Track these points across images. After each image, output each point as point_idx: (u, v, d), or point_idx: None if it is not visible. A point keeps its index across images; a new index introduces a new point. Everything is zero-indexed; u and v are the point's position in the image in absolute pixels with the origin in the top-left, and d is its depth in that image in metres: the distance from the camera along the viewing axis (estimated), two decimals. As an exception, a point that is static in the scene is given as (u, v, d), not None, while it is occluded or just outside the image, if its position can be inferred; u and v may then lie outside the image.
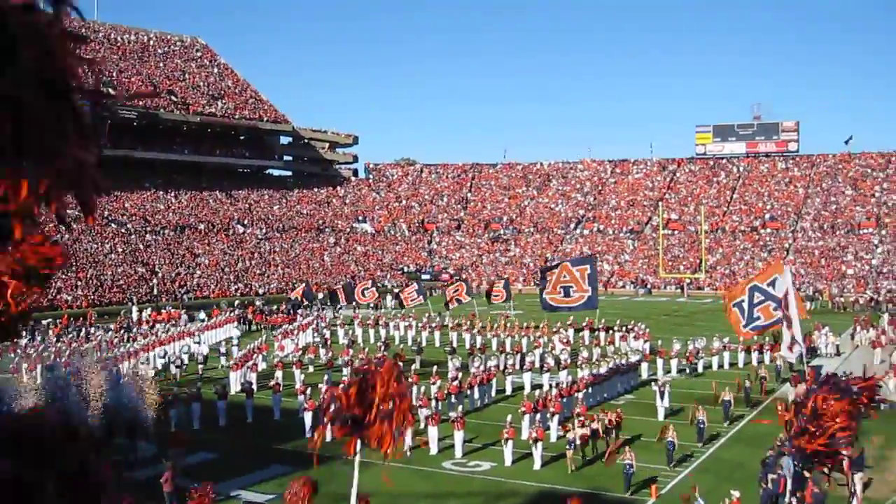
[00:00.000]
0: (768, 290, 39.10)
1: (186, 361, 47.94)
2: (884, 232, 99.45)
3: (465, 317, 59.76)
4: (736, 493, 21.88)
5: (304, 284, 73.68)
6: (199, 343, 53.43)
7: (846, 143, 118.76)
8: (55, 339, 52.14)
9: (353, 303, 66.29)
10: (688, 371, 45.62)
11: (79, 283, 73.80)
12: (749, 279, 45.51)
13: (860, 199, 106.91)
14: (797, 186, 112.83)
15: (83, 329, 57.89)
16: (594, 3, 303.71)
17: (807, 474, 24.47)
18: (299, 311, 69.41)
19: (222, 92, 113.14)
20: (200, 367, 47.64)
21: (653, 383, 39.60)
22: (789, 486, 24.26)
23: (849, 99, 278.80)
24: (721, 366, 46.94)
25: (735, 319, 41.76)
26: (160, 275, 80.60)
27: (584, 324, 56.90)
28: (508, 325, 56.71)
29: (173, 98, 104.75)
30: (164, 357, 48.49)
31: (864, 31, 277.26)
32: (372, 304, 69.42)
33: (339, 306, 71.49)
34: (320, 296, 73.95)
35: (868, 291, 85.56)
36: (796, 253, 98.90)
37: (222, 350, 51.03)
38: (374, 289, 65.59)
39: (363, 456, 9.37)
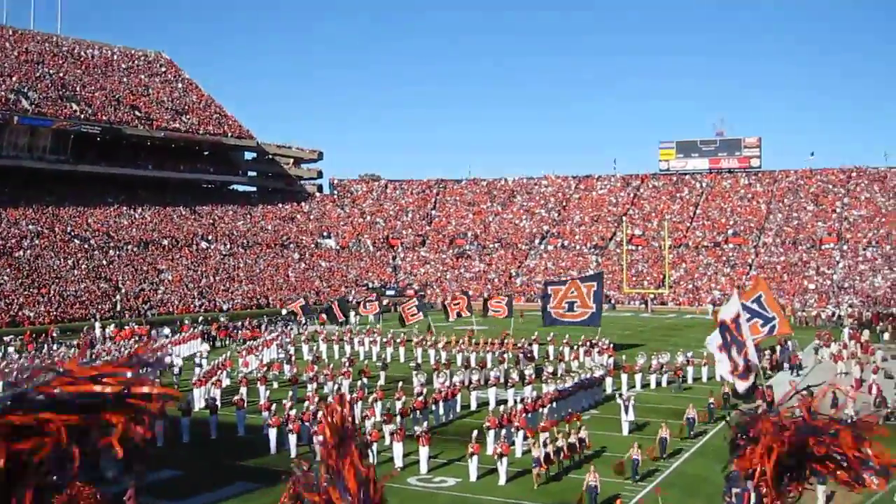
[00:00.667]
0: (753, 307, 39.42)
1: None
2: (845, 247, 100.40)
3: (429, 332, 59.82)
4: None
5: (301, 299, 73.10)
6: (170, 356, 53.32)
7: (811, 155, 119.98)
8: (18, 356, 51.67)
9: (350, 318, 65.73)
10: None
11: (41, 299, 73.22)
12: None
13: (822, 215, 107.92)
14: (759, 202, 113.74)
15: (45, 345, 57.40)
16: (557, 21, 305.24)
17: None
18: (263, 327, 69.29)
19: (186, 107, 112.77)
20: (175, 378, 47.43)
21: (617, 398, 39.75)
22: (753, 501, 24.47)
23: (810, 116, 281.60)
24: (685, 379, 47.22)
25: None
26: (123, 291, 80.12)
27: (579, 341, 56.27)
28: (473, 340, 56.83)
29: (137, 113, 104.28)
30: None
31: (824, 48, 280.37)
32: (373, 317, 68.48)
33: (303, 322, 71.23)
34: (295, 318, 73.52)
35: (829, 306, 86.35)
36: (759, 268, 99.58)
37: (197, 361, 50.87)
38: (376, 302, 65.03)
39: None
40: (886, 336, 65.56)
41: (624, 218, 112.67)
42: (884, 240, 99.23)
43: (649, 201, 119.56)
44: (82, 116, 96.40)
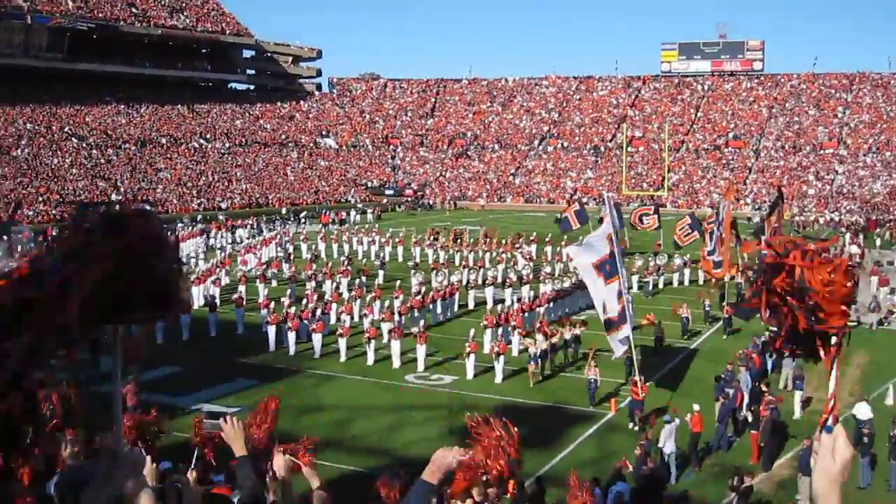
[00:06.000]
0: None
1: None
2: (845, 153, 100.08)
3: (429, 232, 59.78)
4: (696, 407, 22.33)
5: (577, 202, 65.59)
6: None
7: (814, 64, 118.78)
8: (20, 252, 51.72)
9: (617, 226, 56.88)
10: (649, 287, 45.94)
11: (40, 198, 73.20)
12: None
13: (823, 120, 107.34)
14: (761, 106, 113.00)
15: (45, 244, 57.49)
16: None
17: (763, 388, 25.01)
18: (263, 225, 69.46)
19: (183, 4, 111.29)
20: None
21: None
22: (746, 401, 24.82)
23: (814, 19, 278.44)
24: (681, 283, 47.47)
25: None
26: (122, 190, 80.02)
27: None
28: (471, 239, 56.86)
29: (134, 10, 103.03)
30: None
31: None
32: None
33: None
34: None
35: (828, 211, 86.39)
36: (759, 172, 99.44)
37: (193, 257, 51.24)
38: (655, 216, 56.60)
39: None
40: (878, 242, 65.57)
41: (624, 120, 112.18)
42: (884, 146, 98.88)
43: (650, 103, 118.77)
44: (78, 14, 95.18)
